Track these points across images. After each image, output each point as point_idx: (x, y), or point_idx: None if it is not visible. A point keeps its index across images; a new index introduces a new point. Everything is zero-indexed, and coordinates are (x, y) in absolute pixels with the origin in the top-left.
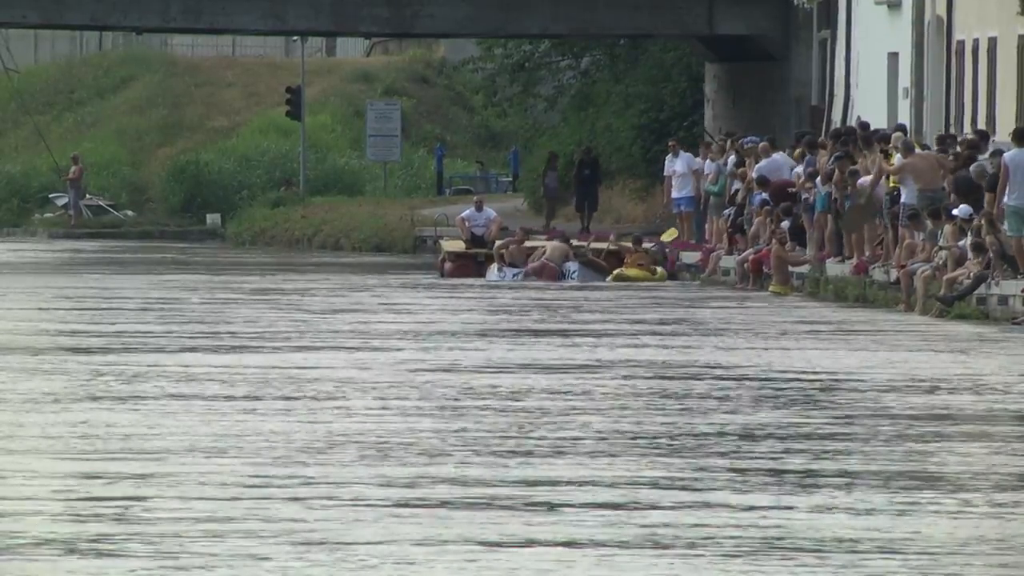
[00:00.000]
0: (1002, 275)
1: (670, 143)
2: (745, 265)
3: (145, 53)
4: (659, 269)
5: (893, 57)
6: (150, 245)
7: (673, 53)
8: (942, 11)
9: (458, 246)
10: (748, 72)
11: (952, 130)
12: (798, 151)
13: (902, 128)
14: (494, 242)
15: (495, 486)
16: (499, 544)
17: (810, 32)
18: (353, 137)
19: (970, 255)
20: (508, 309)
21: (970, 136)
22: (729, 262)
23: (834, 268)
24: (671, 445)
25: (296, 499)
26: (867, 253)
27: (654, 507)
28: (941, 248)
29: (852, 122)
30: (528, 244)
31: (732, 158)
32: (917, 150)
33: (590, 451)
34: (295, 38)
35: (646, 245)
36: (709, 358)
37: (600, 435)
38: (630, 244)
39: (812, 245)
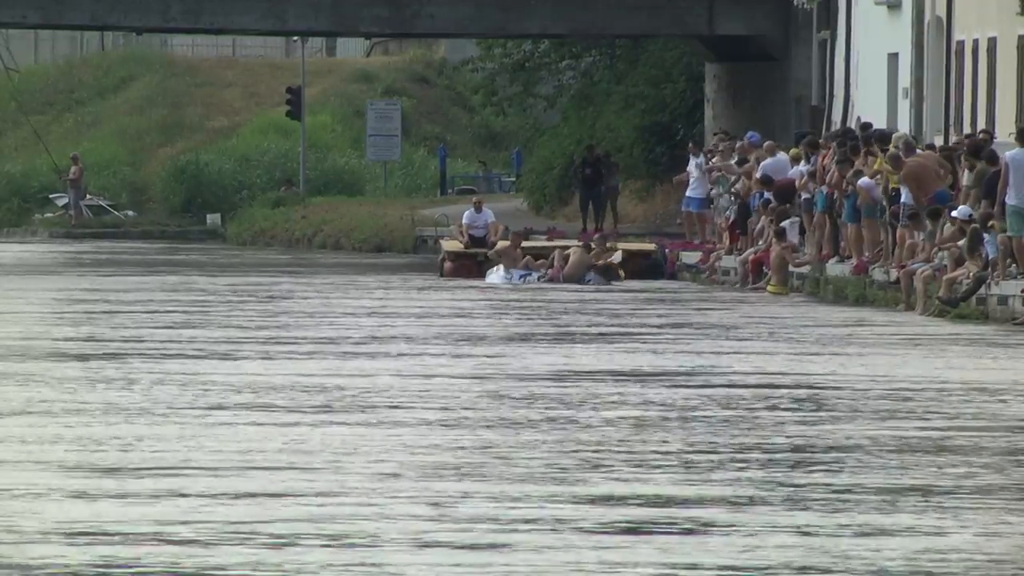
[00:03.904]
0: (1003, 275)
1: (690, 145)
2: (745, 265)
3: (145, 53)
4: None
5: (893, 57)
6: (151, 245)
7: (673, 53)
8: (942, 11)
9: (458, 246)
10: (748, 72)
11: (952, 130)
12: (793, 151)
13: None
14: (495, 244)
15: (615, 504)
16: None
17: (810, 32)
18: (353, 137)
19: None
20: (520, 311)
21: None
22: (729, 262)
23: (834, 268)
24: (757, 460)
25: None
26: (867, 254)
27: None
28: (941, 248)
29: (852, 122)
30: (528, 244)
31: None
32: (918, 150)
33: (677, 466)
34: (295, 38)
35: (647, 246)
36: (730, 364)
37: (688, 449)
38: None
39: (812, 245)
